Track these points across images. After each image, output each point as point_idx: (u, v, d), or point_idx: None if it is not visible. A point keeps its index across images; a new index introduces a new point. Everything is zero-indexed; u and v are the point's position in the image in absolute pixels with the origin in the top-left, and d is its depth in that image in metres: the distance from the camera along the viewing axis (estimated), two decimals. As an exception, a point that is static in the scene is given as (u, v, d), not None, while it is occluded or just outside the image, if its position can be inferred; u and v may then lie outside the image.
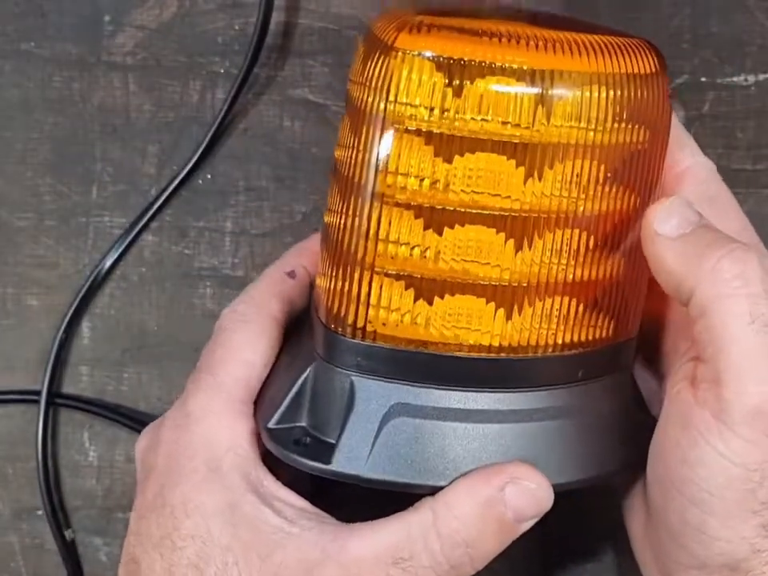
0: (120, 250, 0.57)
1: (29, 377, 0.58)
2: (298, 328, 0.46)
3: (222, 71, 0.57)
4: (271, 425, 0.41)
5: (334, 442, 0.40)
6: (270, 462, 0.42)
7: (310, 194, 0.57)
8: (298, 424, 0.41)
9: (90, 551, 0.58)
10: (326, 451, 0.40)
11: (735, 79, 0.56)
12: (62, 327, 0.57)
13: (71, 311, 0.57)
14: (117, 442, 0.58)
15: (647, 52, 0.39)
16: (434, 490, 0.39)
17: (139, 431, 0.56)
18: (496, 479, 0.38)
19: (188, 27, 0.57)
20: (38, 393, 0.57)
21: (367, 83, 0.38)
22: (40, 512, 0.58)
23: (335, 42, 0.57)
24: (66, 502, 0.58)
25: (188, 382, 0.44)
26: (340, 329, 0.40)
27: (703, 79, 0.56)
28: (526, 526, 0.39)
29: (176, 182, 0.57)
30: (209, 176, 0.58)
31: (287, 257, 0.48)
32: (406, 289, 0.39)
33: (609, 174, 0.38)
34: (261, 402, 0.43)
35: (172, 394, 0.58)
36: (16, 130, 0.58)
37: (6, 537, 0.58)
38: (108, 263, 0.57)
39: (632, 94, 0.38)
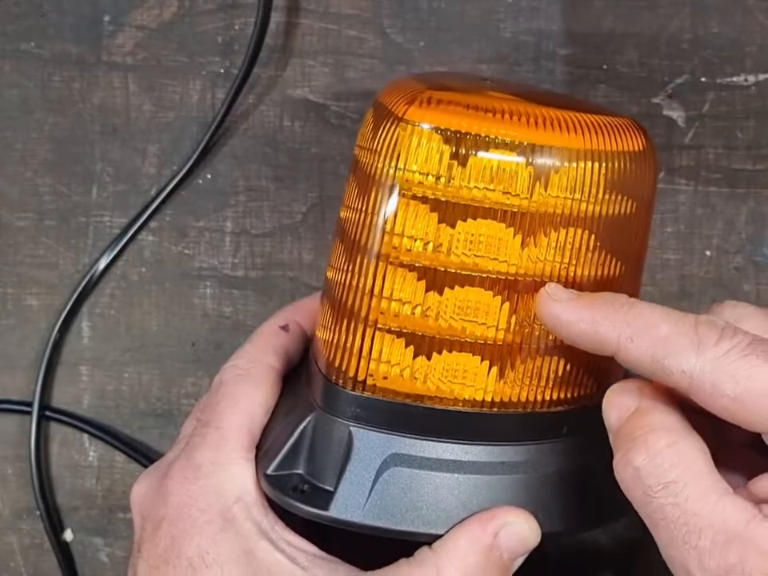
0: (120, 250, 0.57)
1: (29, 376, 0.58)
2: (295, 377, 0.48)
3: (222, 71, 0.57)
4: (270, 471, 0.43)
5: (331, 489, 0.41)
6: (273, 504, 0.44)
7: (310, 193, 0.57)
8: (295, 471, 0.43)
9: (90, 551, 0.58)
10: (323, 498, 0.41)
11: (735, 79, 0.56)
12: (57, 326, 0.57)
13: (66, 310, 0.57)
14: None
15: (636, 131, 0.42)
16: (427, 538, 0.41)
17: (129, 454, 0.57)
18: (491, 525, 0.41)
19: (188, 27, 0.57)
20: (31, 404, 0.57)
21: (377, 151, 0.40)
22: (39, 512, 0.58)
23: (335, 42, 0.57)
24: (66, 503, 0.58)
25: (192, 434, 0.46)
26: (340, 381, 0.42)
27: (703, 79, 0.56)
28: (519, 562, 0.41)
29: (176, 181, 0.57)
30: (209, 176, 0.58)
31: (280, 313, 0.50)
32: (407, 346, 0.41)
33: (598, 242, 0.41)
34: (260, 449, 0.45)
35: (172, 394, 0.58)
36: (16, 129, 0.58)
37: (6, 537, 0.58)
38: (108, 263, 0.58)
39: (622, 169, 0.41)
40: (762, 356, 0.35)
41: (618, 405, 0.39)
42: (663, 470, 0.36)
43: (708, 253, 0.57)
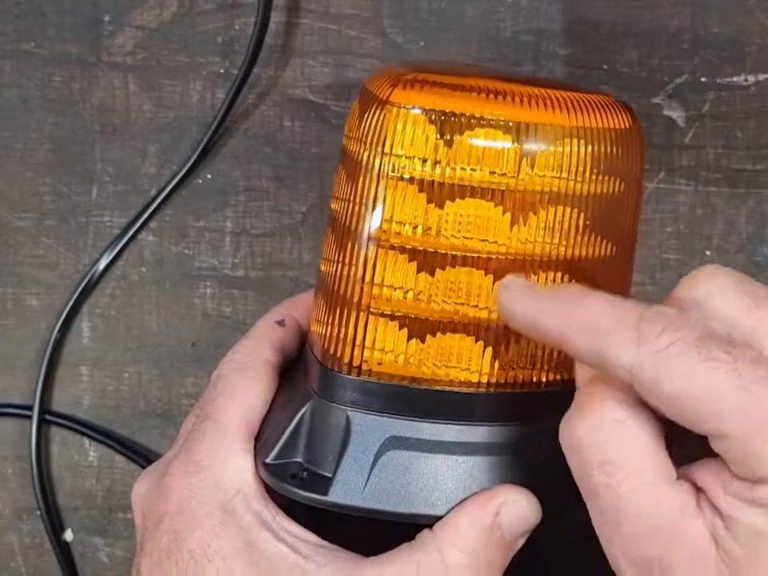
0: (120, 250, 0.57)
1: (29, 377, 0.58)
2: (292, 372, 0.48)
3: (222, 71, 0.57)
4: (269, 460, 0.43)
5: (330, 475, 0.41)
6: (273, 495, 0.44)
7: (310, 193, 0.57)
8: (294, 459, 0.43)
9: (90, 551, 0.58)
10: (323, 483, 0.41)
11: (735, 79, 0.56)
12: (57, 326, 0.57)
13: (67, 310, 0.57)
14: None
15: (621, 109, 0.42)
16: (428, 519, 0.41)
17: (129, 457, 0.57)
18: (491, 504, 0.40)
19: (188, 27, 0.57)
20: (31, 407, 0.57)
21: (364, 136, 0.41)
22: (40, 512, 0.58)
23: (335, 42, 0.57)
24: (66, 503, 0.58)
25: (191, 430, 0.46)
26: (336, 367, 0.42)
27: (703, 79, 0.56)
28: (522, 540, 0.41)
29: (176, 181, 0.57)
30: (209, 176, 0.58)
31: (276, 309, 0.50)
32: (400, 329, 0.41)
33: (588, 222, 0.41)
34: (259, 439, 0.45)
35: (172, 394, 0.58)
36: (16, 129, 0.58)
37: (6, 537, 0.59)
38: (108, 263, 0.58)
39: (608, 147, 0.41)
40: (705, 353, 0.32)
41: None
42: (603, 447, 0.35)
43: (708, 253, 0.57)
